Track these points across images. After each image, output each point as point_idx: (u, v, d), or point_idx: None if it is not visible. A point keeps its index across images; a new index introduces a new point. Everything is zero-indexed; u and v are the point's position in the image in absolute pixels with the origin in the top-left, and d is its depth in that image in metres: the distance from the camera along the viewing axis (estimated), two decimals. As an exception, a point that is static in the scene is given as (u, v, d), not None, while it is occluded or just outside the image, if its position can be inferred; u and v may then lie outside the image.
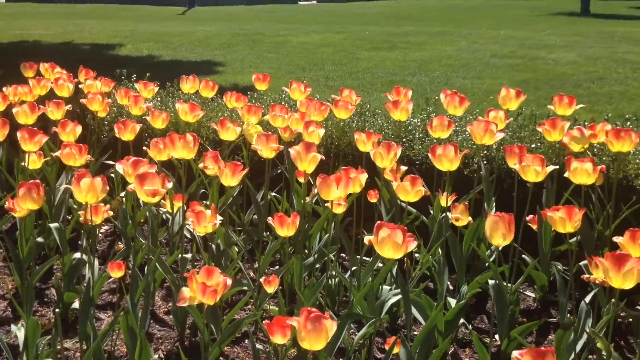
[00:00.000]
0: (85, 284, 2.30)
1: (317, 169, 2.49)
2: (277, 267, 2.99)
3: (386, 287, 2.50)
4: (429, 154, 2.51)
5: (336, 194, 2.22)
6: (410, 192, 2.40)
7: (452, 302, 2.47)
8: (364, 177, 2.35)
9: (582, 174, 2.33)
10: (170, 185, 2.14)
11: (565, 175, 2.41)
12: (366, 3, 27.57)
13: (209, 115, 3.80)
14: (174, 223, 2.85)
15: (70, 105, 3.23)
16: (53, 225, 2.68)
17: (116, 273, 2.15)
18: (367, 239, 2.42)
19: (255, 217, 3.10)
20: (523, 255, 2.75)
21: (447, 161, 2.45)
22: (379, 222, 1.93)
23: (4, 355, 2.12)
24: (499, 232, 2.04)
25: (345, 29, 13.48)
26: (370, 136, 2.78)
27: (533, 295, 2.82)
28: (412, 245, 1.93)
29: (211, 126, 3.34)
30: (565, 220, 2.05)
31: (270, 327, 1.67)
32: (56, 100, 3.15)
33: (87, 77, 3.85)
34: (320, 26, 14.32)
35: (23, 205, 2.07)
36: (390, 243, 1.89)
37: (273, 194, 3.21)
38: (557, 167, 2.44)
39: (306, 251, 2.84)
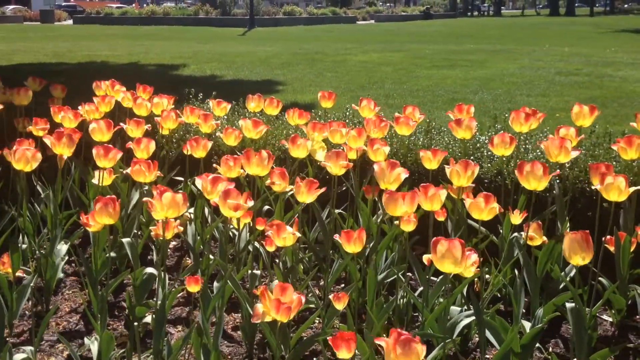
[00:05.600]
0: (155, 299, 2.33)
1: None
2: (343, 285, 2.96)
3: (455, 308, 2.44)
4: (516, 172, 2.42)
5: (403, 209, 2.19)
6: (483, 209, 2.34)
7: (525, 324, 2.39)
8: (443, 193, 2.30)
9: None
10: (252, 203, 2.16)
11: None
12: (424, 22, 27.48)
13: (273, 133, 3.83)
14: (240, 239, 2.87)
15: (149, 125, 3.29)
16: (125, 240, 2.73)
17: (193, 287, 2.18)
18: (426, 257, 2.36)
19: (321, 234, 3.09)
20: (600, 278, 2.65)
21: (534, 180, 2.36)
22: (435, 238, 1.88)
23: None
24: (578, 252, 1.97)
25: (404, 48, 13.47)
26: (436, 154, 2.73)
27: (610, 319, 2.71)
28: (472, 259, 1.87)
29: (281, 144, 3.34)
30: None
31: (335, 342, 1.66)
32: (137, 119, 3.22)
33: (145, 92, 3.91)
34: (379, 45, 14.35)
35: (99, 219, 2.11)
36: (449, 257, 1.84)
37: (338, 211, 3.19)
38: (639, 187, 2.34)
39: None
